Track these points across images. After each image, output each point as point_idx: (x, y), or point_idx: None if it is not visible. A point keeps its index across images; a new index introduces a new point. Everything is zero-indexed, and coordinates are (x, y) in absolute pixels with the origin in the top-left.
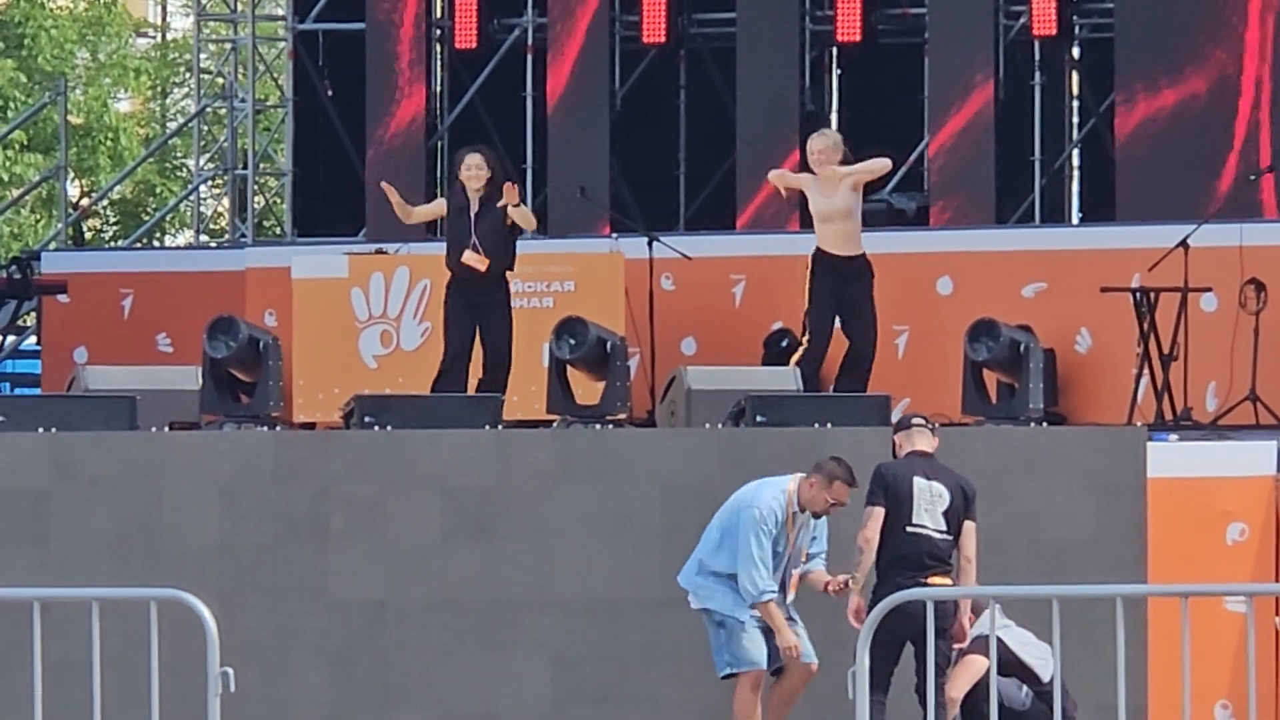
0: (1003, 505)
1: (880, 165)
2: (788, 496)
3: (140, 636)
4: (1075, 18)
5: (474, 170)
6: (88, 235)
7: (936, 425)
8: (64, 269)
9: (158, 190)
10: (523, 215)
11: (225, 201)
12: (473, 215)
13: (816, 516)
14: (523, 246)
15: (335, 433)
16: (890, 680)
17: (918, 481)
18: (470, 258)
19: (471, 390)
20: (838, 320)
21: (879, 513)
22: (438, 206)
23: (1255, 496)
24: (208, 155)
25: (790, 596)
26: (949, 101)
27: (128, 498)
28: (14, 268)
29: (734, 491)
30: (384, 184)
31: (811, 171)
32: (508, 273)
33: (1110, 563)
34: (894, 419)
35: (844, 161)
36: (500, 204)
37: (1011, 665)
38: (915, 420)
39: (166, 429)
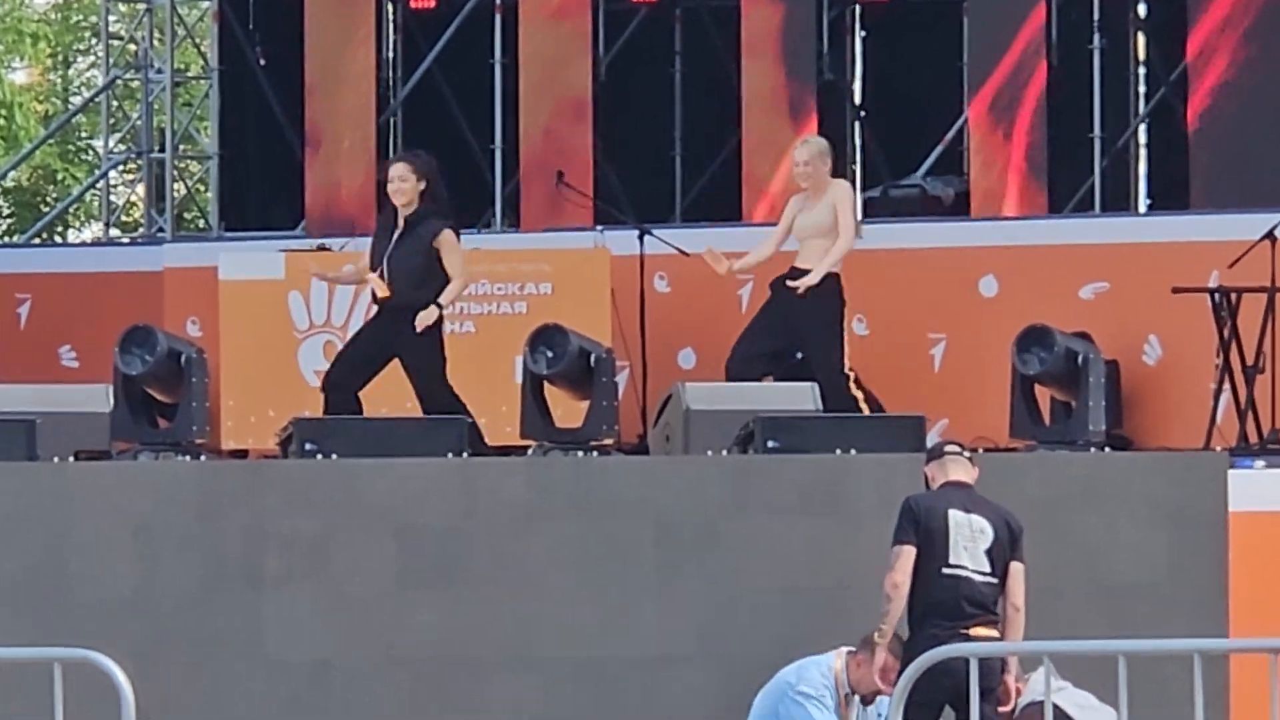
0: (1058, 543)
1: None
2: (835, 676)
3: (43, 703)
4: None
5: (396, 184)
6: None
7: (974, 453)
8: None
9: (60, 177)
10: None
11: (139, 189)
12: (395, 236)
13: (865, 703)
14: (492, 241)
15: (271, 462)
16: None
17: (954, 515)
18: (375, 283)
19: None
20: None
21: (909, 552)
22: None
23: None
24: (118, 135)
25: None
26: (992, 69)
27: (26, 540)
28: None
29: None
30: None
31: (799, 188)
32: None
33: (1185, 611)
34: (930, 442)
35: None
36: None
37: None
38: (949, 448)
39: (71, 459)
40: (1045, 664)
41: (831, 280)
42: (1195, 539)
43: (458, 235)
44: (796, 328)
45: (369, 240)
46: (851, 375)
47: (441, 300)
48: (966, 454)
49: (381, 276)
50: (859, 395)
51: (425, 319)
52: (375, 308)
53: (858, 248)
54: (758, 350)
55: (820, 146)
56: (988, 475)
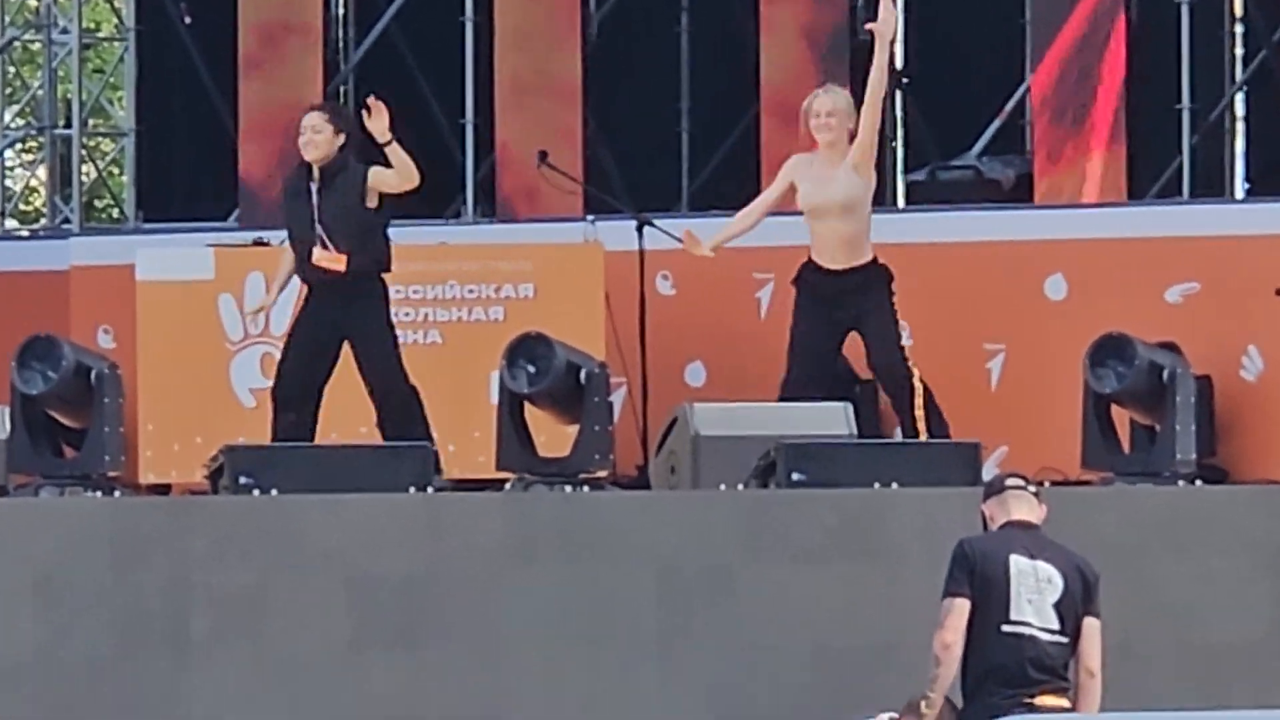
0: (1140, 595)
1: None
2: None
3: None
4: None
5: (309, 135)
6: None
7: (1041, 487)
8: None
9: None
10: (398, 163)
11: (40, 172)
12: (315, 197)
13: None
14: (464, 235)
15: (198, 499)
16: None
17: (1017, 561)
18: (322, 257)
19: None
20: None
21: (962, 606)
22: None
23: None
24: (15, 108)
25: None
26: (1060, 27)
27: None
28: None
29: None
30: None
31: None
32: (381, 273)
33: None
34: (986, 474)
35: (852, 138)
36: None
37: None
38: (1011, 482)
39: None
40: None
41: (881, 266)
42: None
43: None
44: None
45: None
46: (914, 370)
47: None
48: (1032, 489)
49: (324, 244)
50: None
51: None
52: (307, 290)
53: (898, 240)
54: (811, 373)
55: (849, 98)
56: (1056, 514)
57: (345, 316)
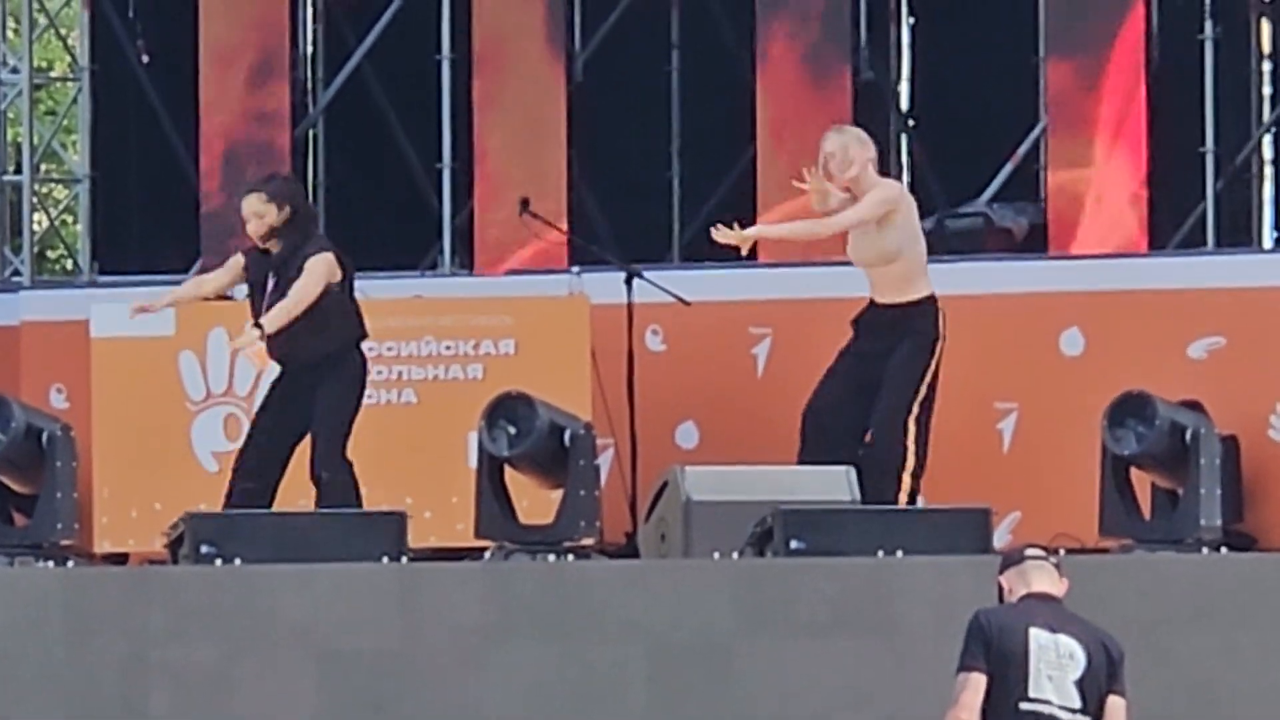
0: (1161, 671)
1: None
2: None
3: None
4: None
5: (253, 222)
6: None
7: (1058, 555)
8: None
9: None
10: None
11: None
12: (269, 284)
13: None
14: (440, 288)
15: (157, 569)
16: None
17: (1037, 635)
18: (242, 342)
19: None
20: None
21: (978, 681)
22: (232, 268)
23: None
24: None
25: None
26: (1077, 67)
27: None
28: None
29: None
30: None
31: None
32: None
33: None
34: (997, 541)
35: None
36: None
37: None
38: (1031, 552)
39: None
40: None
41: (928, 305)
42: None
43: (340, 262)
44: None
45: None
46: (912, 429)
47: (263, 321)
48: (1053, 560)
49: (257, 327)
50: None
51: (242, 342)
52: (278, 369)
53: None
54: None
55: (858, 135)
56: (1072, 584)
57: (311, 403)
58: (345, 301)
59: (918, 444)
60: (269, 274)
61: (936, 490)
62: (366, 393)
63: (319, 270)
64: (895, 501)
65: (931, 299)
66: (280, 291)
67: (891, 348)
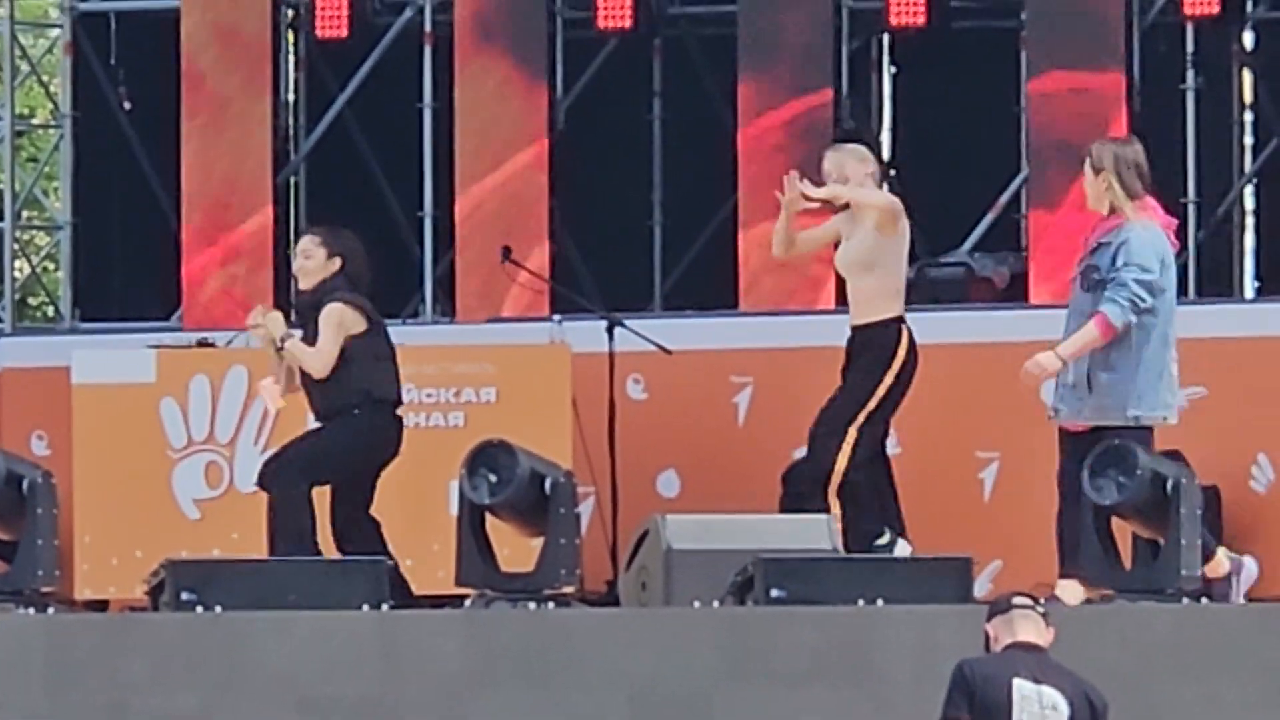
0: None
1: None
2: None
3: None
4: None
5: (299, 261)
6: None
7: (1047, 607)
8: None
9: None
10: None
11: None
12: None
13: None
14: (422, 336)
15: (138, 616)
16: None
17: (1020, 686)
18: (264, 391)
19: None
20: None
21: None
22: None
23: None
24: None
25: None
26: (1058, 115)
27: None
28: None
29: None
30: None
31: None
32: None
33: None
34: (978, 591)
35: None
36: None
37: None
38: (1018, 601)
39: None
40: None
41: (891, 324)
42: None
43: (362, 313)
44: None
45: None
46: (850, 438)
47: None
48: (1040, 609)
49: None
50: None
51: (267, 394)
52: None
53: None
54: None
55: (855, 151)
56: (1058, 636)
57: None
58: (367, 357)
59: (852, 459)
60: (302, 316)
61: (918, 539)
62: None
63: (335, 319)
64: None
65: (897, 319)
66: (306, 334)
67: (851, 366)
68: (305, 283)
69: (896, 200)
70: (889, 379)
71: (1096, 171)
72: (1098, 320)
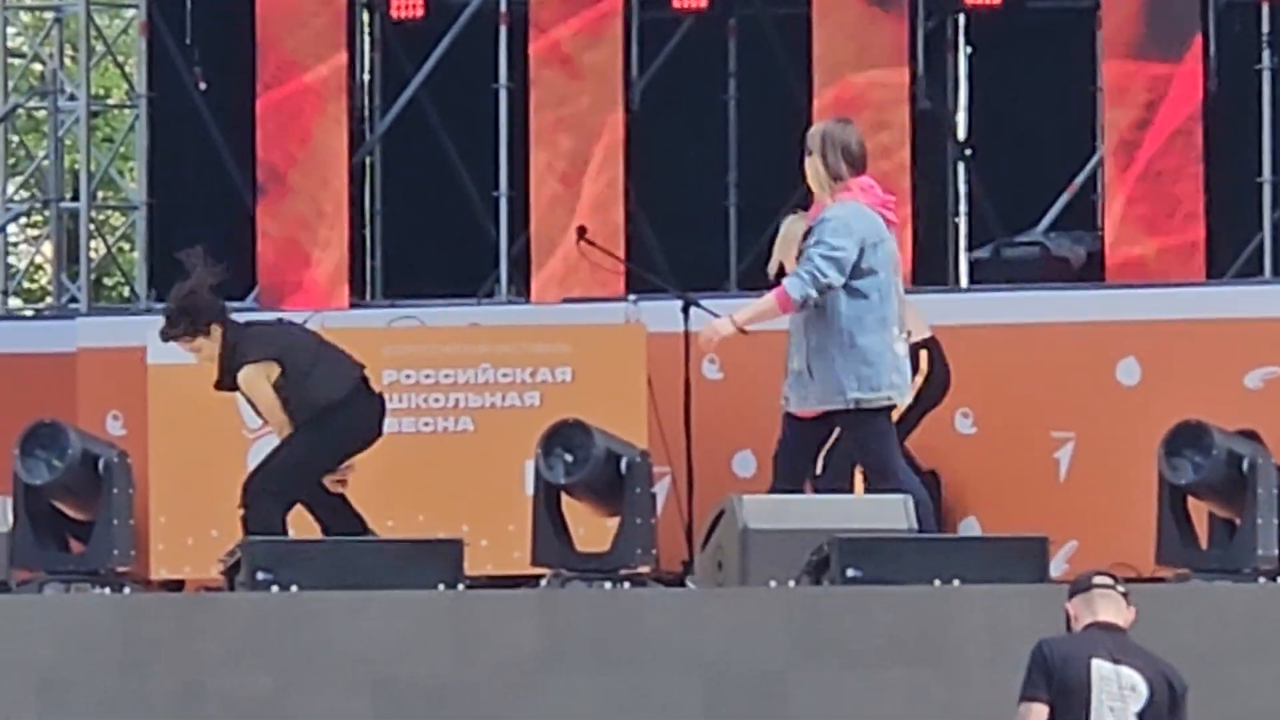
0: (1218, 702)
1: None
2: None
3: None
4: None
5: (194, 358)
6: None
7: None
8: None
9: None
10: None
11: (46, 248)
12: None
13: None
14: (497, 316)
15: (213, 597)
16: None
17: (1099, 666)
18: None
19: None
20: None
21: (1040, 712)
22: None
23: None
24: (20, 180)
25: None
26: (1135, 95)
27: None
28: None
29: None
30: None
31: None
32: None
33: None
34: (1054, 571)
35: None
36: None
37: None
38: (1099, 580)
39: None
40: None
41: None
42: None
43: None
44: None
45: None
46: None
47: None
48: (1121, 589)
49: None
50: None
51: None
52: None
53: (960, 321)
54: None
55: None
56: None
57: None
58: (295, 382)
59: None
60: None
61: (993, 519)
62: (424, 420)
63: (254, 386)
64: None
65: (918, 345)
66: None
67: None
68: (214, 366)
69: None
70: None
71: (809, 154)
72: (777, 292)
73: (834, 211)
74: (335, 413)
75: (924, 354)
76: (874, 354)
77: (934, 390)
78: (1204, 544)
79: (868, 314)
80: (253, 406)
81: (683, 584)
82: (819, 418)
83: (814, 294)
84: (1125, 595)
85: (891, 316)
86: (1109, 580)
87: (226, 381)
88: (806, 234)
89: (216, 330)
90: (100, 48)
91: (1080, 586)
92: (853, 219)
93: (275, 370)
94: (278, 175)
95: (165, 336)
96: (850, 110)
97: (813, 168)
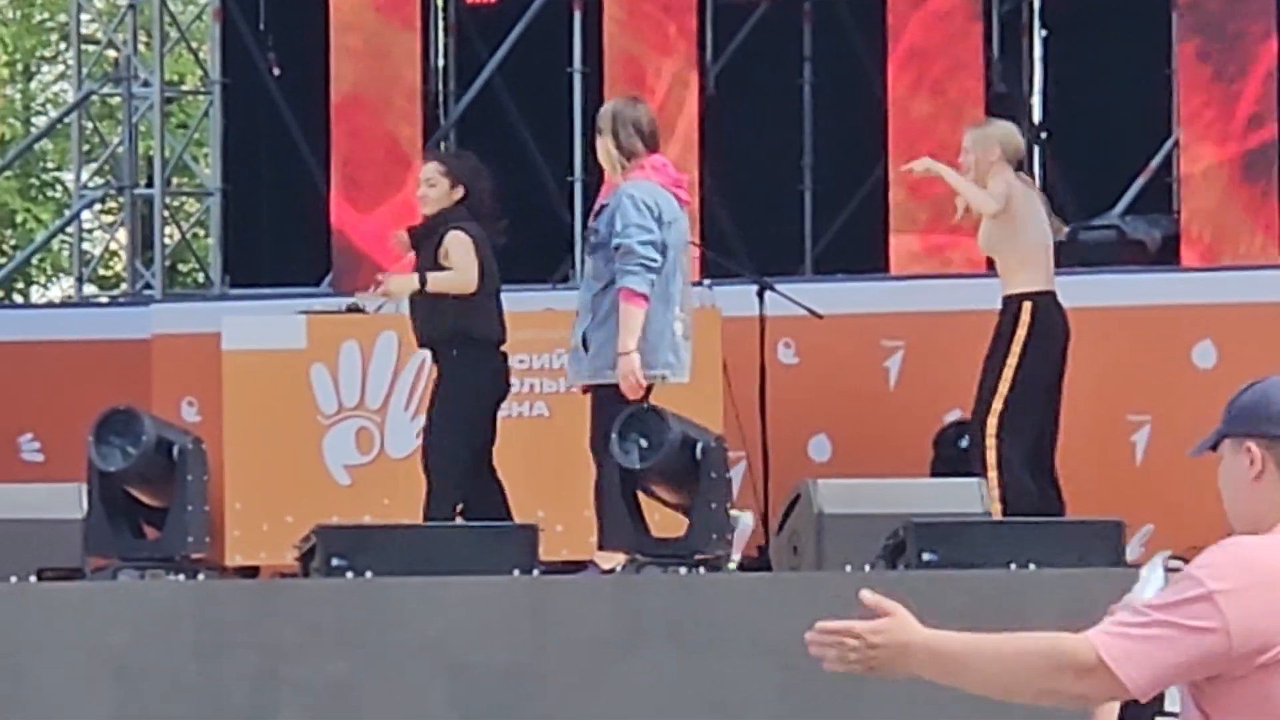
0: None
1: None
2: None
3: None
4: None
5: (422, 188)
6: None
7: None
8: None
9: (20, 219)
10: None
11: (121, 235)
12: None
13: None
14: (572, 301)
15: (288, 582)
16: None
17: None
18: (394, 285)
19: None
20: None
21: (1111, 706)
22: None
23: None
24: (94, 166)
25: None
26: (1210, 76)
27: None
28: None
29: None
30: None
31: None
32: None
33: None
34: (1130, 554)
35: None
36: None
37: None
38: (1173, 564)
39: (33, 578)
40: None
41: (1011, 301)
42: None
43: (475, 244)
44: None
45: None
46: (992, 433)
47: (428, 277)
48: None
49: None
50: (992, 478)
51: (393, 285)
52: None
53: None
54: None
55: (988, 135)
56: None
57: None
58: (464, 295)
59: (1000, 449)
60: (416, 242)
61: (1069, 502)
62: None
63: (465, 243)
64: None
65: (1020, 296)
66: (419, 259)
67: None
68: (427, 209)
69: (989, 201)
70: (1012, 360)
71: (599, 133)
72: (623, 296)
73: (629, 193)
74: (477, 349)
75: (1027, 305)
76: (654, 331)
77: (1041, 346)
78: None
79: (652, 291)
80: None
81: (759, 569)
82: (591, 391)
83: (654, 278)
84: None
85: (676, 295)
86: (1179, 564)
87: (428, 226)
88: (599, 212)
89: (460, 191)
90: (174, 34)
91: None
92: (647, 197)
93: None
94: (352, 161)
95: (433, 155)
96: (927, 96)
97: (604, 147)
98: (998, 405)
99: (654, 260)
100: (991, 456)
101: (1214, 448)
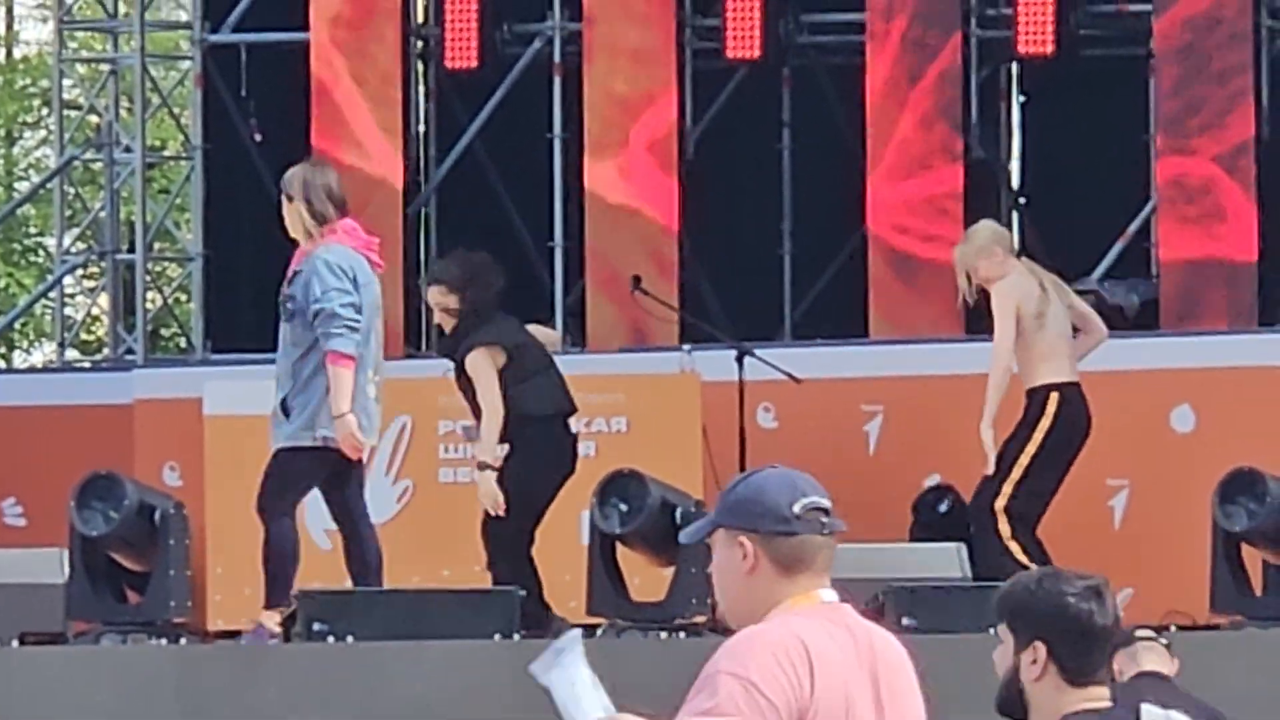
0: None
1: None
2: None
3: None
4: None
5: (439, 314)
6: None
7: (1168, 632)
8: None
9: (2, 284)
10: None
11: (103, 300)
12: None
13: None
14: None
15: (270, 647)
16: None
17: (1149, 711)
18: (484, 495)
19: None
20: None
21: None
22: None
23: None
24: (76, 231)
25: None
26: (1188, 141)
27: None
28: None
29: None
30: None
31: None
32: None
33: None
34: None
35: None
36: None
37: None
38: (1142, 633)
39: (15, 643)
40: None
41: (1041, 393)
42: None
43: (499, 346)
44: None
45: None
46: (1002, 518)
47: (480, 455)
48: (1164, 641)
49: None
50: (1015, 547)
51: (484, 494)
52: None
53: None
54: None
55: (976, 243)
56: (1182, 661)
57: None
58: (510, 384)
59: (1013, 530)
60: (446, 355)
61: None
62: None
63: (483, 364)
64: (1014, 565)
65: (1046, 388)
66: (458, 381)
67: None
68: (448, 329)
69: (1003, 301)
70: (1031, 448)
71: (289, 199)
72: (330, 359)
73: (323, 258)
74: (535, 426)
75: (1054, 396)
76: None
77: (1064, 435)
78: (1258, 591)
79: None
80: (467, 392)
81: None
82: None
83: (359, 338)
84: (1168, 646)
85: (369, 359)
86: (1150, 633)
87: (451, 352)
88: (292, 279)
89: (463, 292)
90: (156, 100)
91: (1123, 641)
92: (343, 261)
93: (501, 357)
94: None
95: (431, 279)
96: (906, 162)
97: (294, 214)
98: (1008, 489)
99: (356, 321)
100: (1005, 529)
101: (707, 537)
